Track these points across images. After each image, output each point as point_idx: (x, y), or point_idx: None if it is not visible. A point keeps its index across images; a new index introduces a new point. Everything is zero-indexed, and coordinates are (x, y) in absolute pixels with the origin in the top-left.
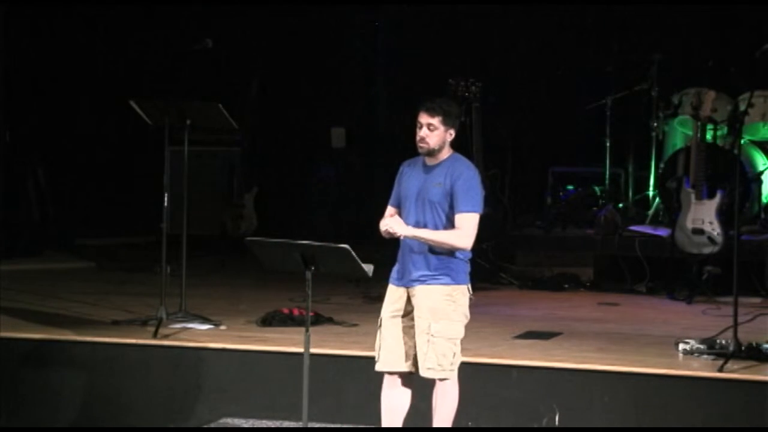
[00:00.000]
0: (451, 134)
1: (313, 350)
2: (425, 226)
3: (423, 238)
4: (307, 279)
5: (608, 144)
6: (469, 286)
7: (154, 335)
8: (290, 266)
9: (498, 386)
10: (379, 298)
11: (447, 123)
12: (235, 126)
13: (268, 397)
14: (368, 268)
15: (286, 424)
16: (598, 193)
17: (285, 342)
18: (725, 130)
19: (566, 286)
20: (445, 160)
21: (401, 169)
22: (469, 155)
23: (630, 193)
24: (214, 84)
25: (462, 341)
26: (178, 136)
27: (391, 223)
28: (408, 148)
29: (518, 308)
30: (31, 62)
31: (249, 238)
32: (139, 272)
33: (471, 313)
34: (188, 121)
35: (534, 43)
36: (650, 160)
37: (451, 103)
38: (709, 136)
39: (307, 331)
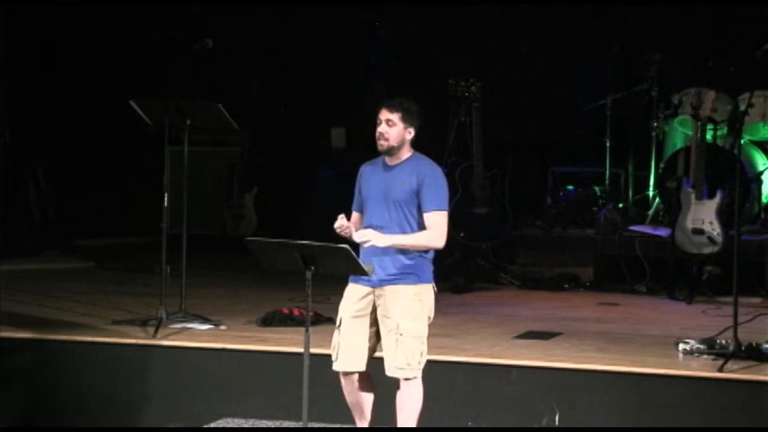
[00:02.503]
0: (411, 133)
1: (313, 350)
2: (391, 225)
3: (401, 244)
4: (307, 279)
5: (608, 144)
6: (434, 284)
7: (154, 335)
8: (290, 266)
9: (498, 386)
10: None
11: (406, 120)
12: (235, 126)
13: (268, 397)
14: (368, 268)
15: (286, 424)
16: (598, 193)
17: (285, 342)
18: (725, 130)
19: (566, 286)
20: (407, 160)
21: (360, 170)
22: (469, 155)
23: (630, 193)
24: (214, 84)
25: (462, 341)
26: (178, 136)
27: (368, 235)
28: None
29: (518, 308)
30: (32, 62)
31: (249, 238)
32: (139, 272)
33: (471, 313)
34: (188, 121)
35: (534, 44)
36: (650, 160)
37: (413, 102)
38: (709, 136)
39: (307, 331)
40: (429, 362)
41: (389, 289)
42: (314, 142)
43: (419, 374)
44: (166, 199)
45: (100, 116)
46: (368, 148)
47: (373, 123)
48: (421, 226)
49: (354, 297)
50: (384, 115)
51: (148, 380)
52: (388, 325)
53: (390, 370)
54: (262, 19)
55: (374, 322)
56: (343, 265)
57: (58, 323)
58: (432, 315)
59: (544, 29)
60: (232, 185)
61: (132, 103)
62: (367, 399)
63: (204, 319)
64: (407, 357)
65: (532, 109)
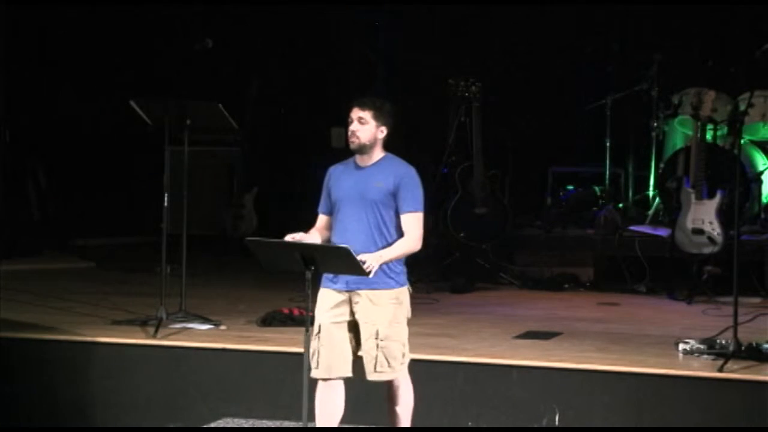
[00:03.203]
0: (383, 132)
1: None
2: (368, 227)
3: (393, 258)
4: (307, 279)
5: (608, 144)
6: (409, 285)
7: (154, 335)
8: (290, 266)
9: (498, 386)
10: None
11: (378, 119)
12: (235, 126)
13: (268, 397)
14: None
15: (286, 424)
16: (598, 193)
17: (285, 342)
18: (725, 130)
19: (566, 286)
20: (381, 161)
21: (329, 172)
22: (469, 155)
23: (630, 193)
24: (214, 84)
25: (462, 341)
26: (178, 136)
27: (369, 261)
28: (408, 147)
29: (518, 308)
30: (32, 62)
31: (249, 238)
32: (139, 272)
33: (471, 313)
34: (188, 121)
35: (534, 43)
36: (650, 160)
37: (386, 102)
38: (709, 136)
39: (307, 331)
40: (429, 362)
41: (367, 294)
42: (314, 142)
43: (403, 371)
44: (166, 199)
45: (100, 116)
46: None
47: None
48: (397, 228)
49: (330, 302)
50: (355, 113)
51: (148, 380)
52: (368, 331)
53: (370, 375)
54: (262, 19)
55: (352, 327)
56: (343, 265)
57: (58, 323)
58: (410, 315)
59: (544, 29)
60: (232, 185)
61: (132, 103)
62: (339, 410)
63: (204, 319)
64: (389, 361)
65: (532, 109)
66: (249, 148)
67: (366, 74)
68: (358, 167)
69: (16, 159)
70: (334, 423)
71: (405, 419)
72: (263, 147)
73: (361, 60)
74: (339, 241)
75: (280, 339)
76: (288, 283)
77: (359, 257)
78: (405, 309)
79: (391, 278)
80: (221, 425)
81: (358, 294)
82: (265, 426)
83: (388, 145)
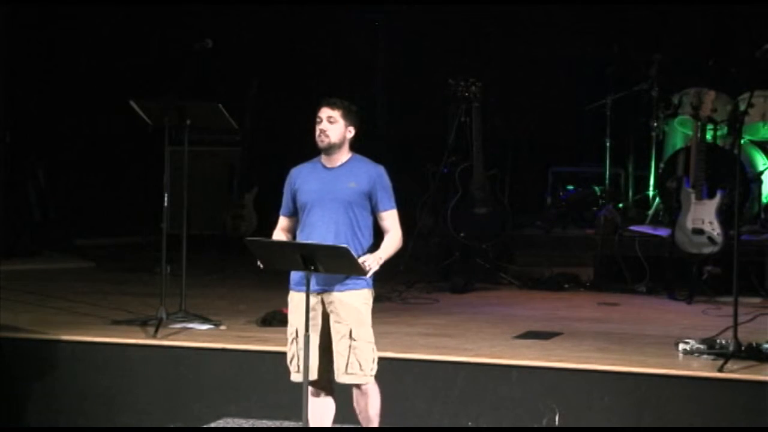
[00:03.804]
0: (351, 132)
1: None
2: (343, 227)
3: (388, 258)
4: (307, 279)
5: (608, 144)
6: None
7: (154, 335)
8: (290, 266)
9: (498, 386)
10: (378, 298)
11: (347, 118)
12: (235, 126)
13: (268, 397)
14: None
15: (286, 424)
16: (598, 193)
17: (285, 342)
18: (725, 130)
19: (566, 286)
20: (349, 161)
21: (293, 173)
22: (469, 155)
23: (630, 193)
24: (214, 84)
25: (462, 341)
26: (178, 136)
27: (371, 264)
28: (407, 147)
29: (518, 308)
30: (32, 62)
31: (249, 238)
32: (139, 272)
33: (471, 313)
34: (188, 121)
35: (534, 44)
36: (650, 160)
37: (353, 104)
38: (709, 136)
39: (307, 330)
40: (429, 362)
41: (343, 295)
42: (314, 142)
43: (372, 379)
44: (166, 199)
45: (100, 116)
46: (368, 148)
47: (372, 123)
48: (368, 228)
49: (303, 306)
50: (325, 112)
51: (148, 380)
52: (341, 331)
53: (341, 377)
54: (262, 19)
55: (324, 329)
56: (343, 264)
57: (58, 323)
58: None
59: (544, 29)
60: (232, 185)
61: (132, 103)
62: (330, 413)
63: (204, 319)
64: (362, 362)
65: (532, 109)
66: (249, 148)
67: (366, 74)
68: (326, 168)
69: (16, 159)
70: (327, 424)
71: (375, 422)
72: (263, 147)
73: (361, 60)
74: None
75: (280, 339)
76: (288, 283)
77: (361, 259)
78: (370, 311)
79: (363, 279)
80: (221, 425)
81: (331, 294)
82: (265, 426)
83: (354, 145)
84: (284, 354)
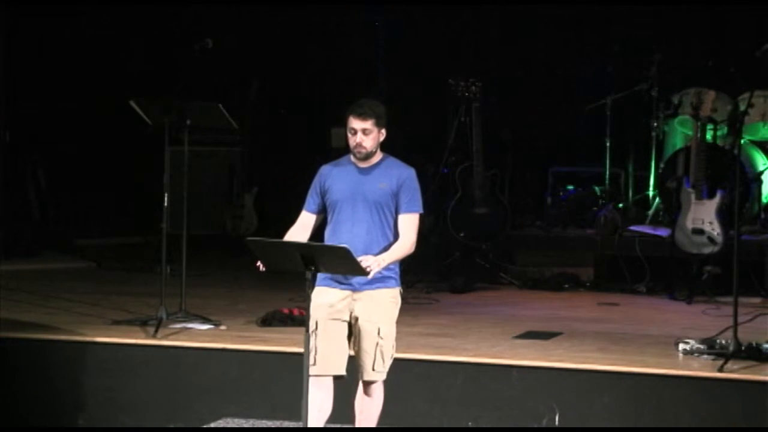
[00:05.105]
0: (383, 134)
1: None
2: (370, 227)
3: (394, 260)
4: (307, 279)
5: (608, 144)
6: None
7: (154, 335)
8: (290, 266)
9: (498, 386)
10: None
11: (379, 124)
12: (235, 126)
13: (268, 397)
14: None
15: (286, 424)
16: (598, 193)
17: (285, 342)
18: (725, 130)
19: (566, 286)
20: (381, 161)
21: (323, 172)
22: (469, 155)
23: (630, 193)
24: (214, 84)
25: (462, 341)
26: (178, 136)
27: (371, 265)
28: (408, 147)
29: (518, 308)
30: (32, 62)
31: (249, 238)
32: (139, 272)
33: (471, 313)
34: (188, 121)
35: (534, 43)
36: (650, 160)
37: (378, 103)
38: (709, 136)
39: (307, 330)
40: (429, 362)
41: (372, 293)
42: (314, 142)
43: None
44: (166, 199)
45: (100, 116)
46: None
47: None
48: (396, 228)
49: (329, 299)
50: (358, 124)
51: (148, 380)
52: (369, 330)
53: (368, 375)
54: (262, 19)
55: (348, 327)
56: (343, 264)
57: (58, 323)
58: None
59: (544, 29)
60: (232, 185)
61: (132, 103)
62: (328, 409)
63: (204, 319)
64: (385, 361)
65: (532, 109)
66: (249, 148)
67: (366, 74)
68: (358, 168)
69: (16, 159)
70: (322, 420)
71: (375, 422)
72: (263, 147)
73: (361, 60)
74: (338, 242)
75: (280, 339)
76: (288, 283)
77: (360, 258)
78: (398, 309)
79: (392, 277)
80: (221, 425)
81: (361, 293)
82: (265, 426)
83: (384, 143)
84: (285, 354)
